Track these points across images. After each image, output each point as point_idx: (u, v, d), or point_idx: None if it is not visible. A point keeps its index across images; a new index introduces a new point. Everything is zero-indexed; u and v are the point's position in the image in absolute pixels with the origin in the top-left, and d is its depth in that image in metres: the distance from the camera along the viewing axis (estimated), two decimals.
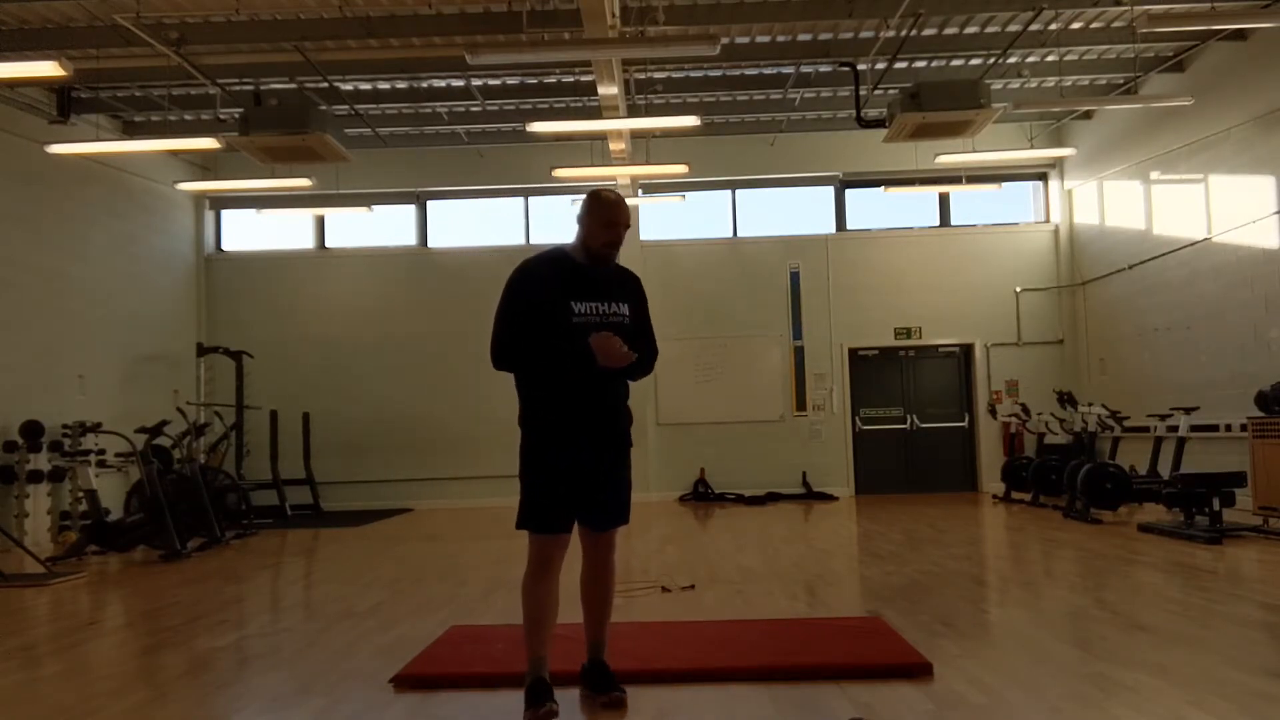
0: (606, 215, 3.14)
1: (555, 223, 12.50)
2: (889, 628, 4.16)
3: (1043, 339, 12.06)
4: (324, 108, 9.55)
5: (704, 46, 7.01)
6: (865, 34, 8.93)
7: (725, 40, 8.69)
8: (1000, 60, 9.42)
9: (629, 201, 11.79)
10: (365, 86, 10.21)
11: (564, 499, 3.07)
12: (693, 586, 5.51)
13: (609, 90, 8.67)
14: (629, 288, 3.25)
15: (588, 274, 3.16)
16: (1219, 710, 2.94)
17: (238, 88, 9.55)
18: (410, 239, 12.69)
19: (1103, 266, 11.30)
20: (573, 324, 3.04)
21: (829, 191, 12.46)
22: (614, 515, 3.19)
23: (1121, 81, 10.25)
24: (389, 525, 10.10)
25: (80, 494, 8.77)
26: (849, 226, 12.43)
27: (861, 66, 9.38)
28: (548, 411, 3.10)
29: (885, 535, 7.83)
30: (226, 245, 12.77)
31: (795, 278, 12.21)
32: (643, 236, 12.20)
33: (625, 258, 3.32)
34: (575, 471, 3.08)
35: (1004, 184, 12.07)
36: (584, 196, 3.23)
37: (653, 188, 12.26)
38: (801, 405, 12.10)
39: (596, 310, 3.09)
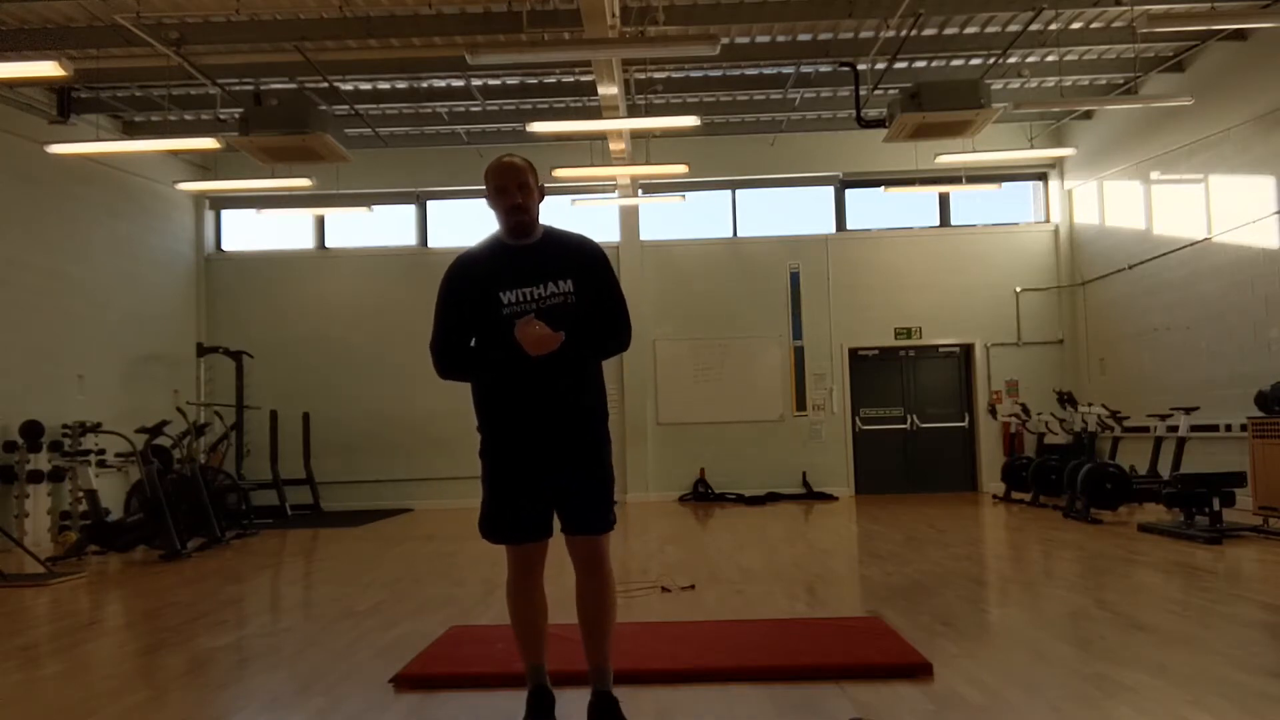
0: (492, 184, 2.85)
1: (555, 223, 12.48)
2: (889, 628, 4.16)
3: (1043, 339, 12.06)
4: (324, 108, 9.55)
5: (704, 46, 7.01)
6: (865, 34, 8.93)
7: (725, 40, 8.68)
8: (1000, 60, 9.42)
9: (629, 201, 11.83)
10: (365, 86, 10.20)
11: (515, 504, 2.83)
12: (693, 586, 5.51)
13: (609, 90, 8.68)
14: (574, 260, 2.90)
15: (518, 256, 2.86)
16: (1219, 710, 2.94)
17: (238, 88, 9.56)
18: (410, 239, 12.69)
19: (1103, 266, 11.30)
20: (502, 316, 2.77)
21: (829, 191, 12.46)
22: (582, 518, 2.83)
23: (1121, 81, 10.25)
24: (389, 525, 10.10)
25: (80, 494, 8.76)
26: (849, 226, 12.43)
27: (861, 66, 9.38)
28: (489, 411, 2.87)
29: (885, 535, 7.83)
30: (226, 245, 12.77)
31: (795, 278, 12.21)
32: (643, 236, 12.20)
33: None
34: (524, 474, 2.82)
35: (1004, 184, 12.06)
36: None
37: (653, 188, 12.26)
38: (801, 405, 12.10)
39: (530, 295, 2.80)
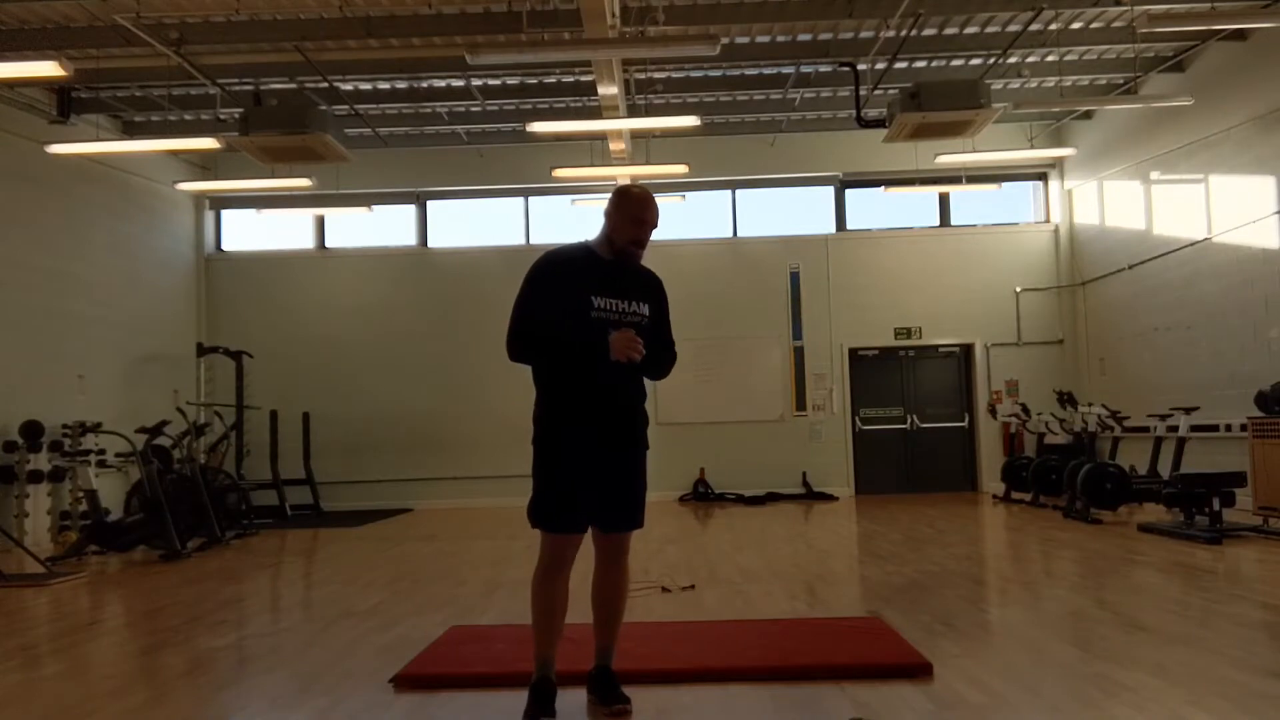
0: (634, 212, 3.07)
1: (555, 223, 12.50)
2: (889, 628, 4.16)
3: (1043, 339, 12.06)
4: (324, 108, 9.54)
5: (704, 46, 7.00)
6: (865, 34, 8.93)
7: (725, 40, 8.68)
8: (1000, 60, 9.42)
9: None
10: (365, 86, 10.20)
11: (573, 497, 3.00)
12: (693, 586, 5.51)
13: (609, 90, 8.67)
14: (651, 288, 3.22)
15: (610, 270, 3.10)
16: (1219, 710, 2.94)
17: (238, 88, 9.55)
18: (410, 239, 12.69)
19: (1103, 266, 11.30)
20: (590, 318, 2.99)
21: (829, 191, 12.46)
22: (624, 517, 3.09)
23: (1121, 81, 10.25)
24: (389, 525, 10.10)
25: (80, 494, 8.76)
26: (849, 226, 12.43)
27: (861, 66, 9.37)
28: (561, 407, 3.05)
29: (885, 535, 7.83)
30: (226, 245, 12.77)
31: (795, 278, 12.21)
32: None
33: None
34: (585, 470, 3.01)
35: (1004, 184, 12.07)
36: (613, 191, 3.18)
37: (653, 188, 12.20)
38: (801, 405, 12.10)
39: (615, 307, 3.04)
